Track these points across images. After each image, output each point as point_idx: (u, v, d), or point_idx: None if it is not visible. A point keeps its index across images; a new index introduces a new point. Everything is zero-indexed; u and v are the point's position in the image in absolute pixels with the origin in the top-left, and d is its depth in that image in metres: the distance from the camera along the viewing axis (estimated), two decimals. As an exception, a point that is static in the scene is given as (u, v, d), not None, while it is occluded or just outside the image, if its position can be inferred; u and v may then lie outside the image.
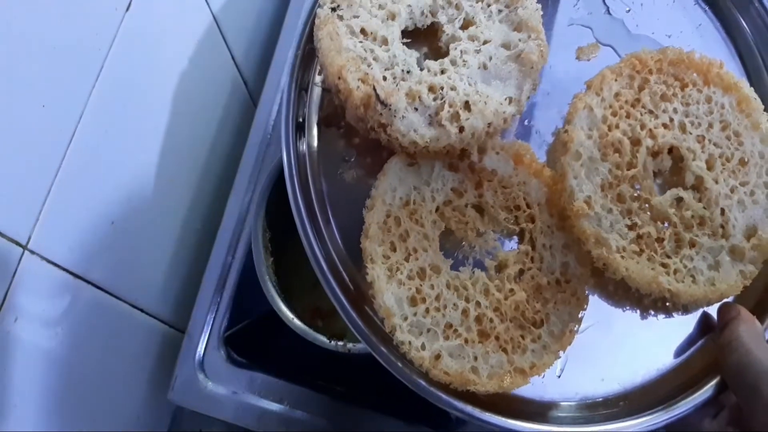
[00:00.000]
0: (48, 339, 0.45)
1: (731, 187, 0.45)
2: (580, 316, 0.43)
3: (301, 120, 0.48)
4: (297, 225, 0.44)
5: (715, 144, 0.45)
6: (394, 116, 0.43)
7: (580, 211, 0.42)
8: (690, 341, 0.44)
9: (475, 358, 0.41)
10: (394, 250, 0.43)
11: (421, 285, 0.42)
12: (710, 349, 0.43)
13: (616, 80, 0.46)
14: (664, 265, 0.43)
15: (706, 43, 0.49)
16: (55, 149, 0.42)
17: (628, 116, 0.45)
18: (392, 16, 0.47)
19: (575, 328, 0.43)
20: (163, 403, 0.62)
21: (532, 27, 0.46)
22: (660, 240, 0.43)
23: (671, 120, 0.46)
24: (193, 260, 0.66)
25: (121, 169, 0.50)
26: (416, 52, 0.46)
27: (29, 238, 0.40)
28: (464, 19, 0.47)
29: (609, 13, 0.51)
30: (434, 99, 0.44)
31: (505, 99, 0.44)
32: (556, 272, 0.44)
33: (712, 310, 0.44)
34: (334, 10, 0.46)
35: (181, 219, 0.63)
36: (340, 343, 0.53)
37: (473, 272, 0.43)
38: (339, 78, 0.43)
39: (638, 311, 0.45)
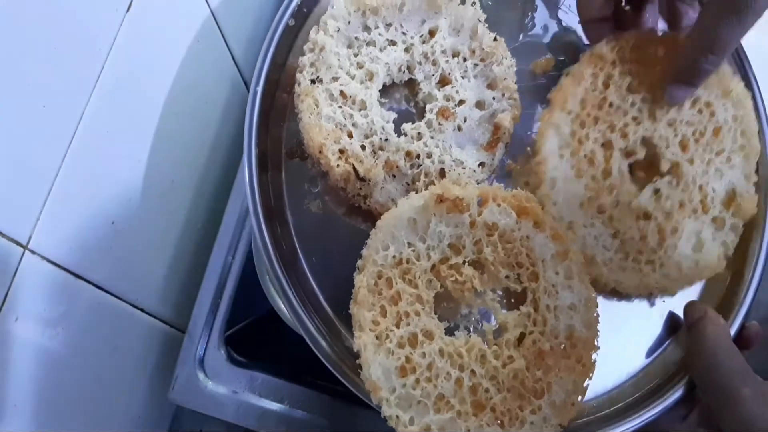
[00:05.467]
0: (48, 339, 0.45)
1: (707, 160, 0.44)
2: (585, 385, 0.39)
3: (264, 153, 0.47)
4: (264, 261, 0.44)
5: (687, 123, 0.44)
6: (373, 189, 0.44)
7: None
8: (659, 341, 0.44)
9: None
10: (385, 315, 0.39)
11: (411, 353, 0.39)
12: (677, 349, 0.44)
13: (579, 85, 0.44)
14: (649, 262, 0.43)
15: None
16: (55, 149, 0.42)
17: (596, 122, 0.44)
18: (370, 76, 0.47)
19: (578, 400, 0.39)
20: (164, 403, 0.62)
21: (506, 86, 0.46)
22: (644, 237, 0.43)
23: (640, 111, 0.44)
24: (194, 260, 0.66)
25: (122, 169, 0.50)
26: (393, 112, 0.47)
27: (29, 238, 0.40)
28: (441, 75, 0.47)
29: (563, 27, 0.51)
30: (411, 167, 0.45)
31: (479, 165, 0.46)
32: (560, 336, 0.39)
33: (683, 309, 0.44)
34: (313, 82, 0.46)
35: (182, 219, 0.63)
36: (340, 343, 0.53)
37: (469, 337, 0.40)
38: (320, 152, 0.44)
39: (646, 300, 0.45)
